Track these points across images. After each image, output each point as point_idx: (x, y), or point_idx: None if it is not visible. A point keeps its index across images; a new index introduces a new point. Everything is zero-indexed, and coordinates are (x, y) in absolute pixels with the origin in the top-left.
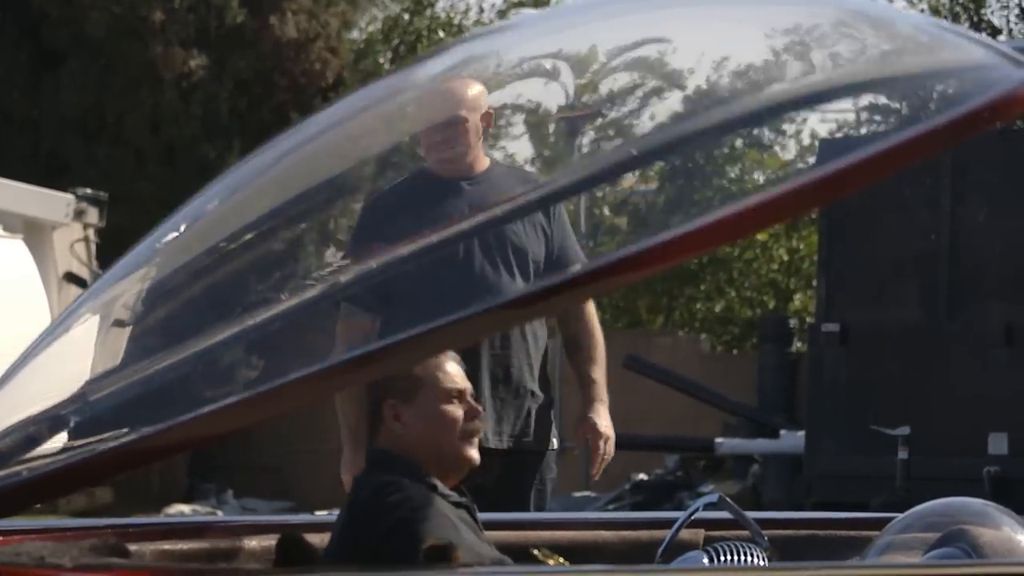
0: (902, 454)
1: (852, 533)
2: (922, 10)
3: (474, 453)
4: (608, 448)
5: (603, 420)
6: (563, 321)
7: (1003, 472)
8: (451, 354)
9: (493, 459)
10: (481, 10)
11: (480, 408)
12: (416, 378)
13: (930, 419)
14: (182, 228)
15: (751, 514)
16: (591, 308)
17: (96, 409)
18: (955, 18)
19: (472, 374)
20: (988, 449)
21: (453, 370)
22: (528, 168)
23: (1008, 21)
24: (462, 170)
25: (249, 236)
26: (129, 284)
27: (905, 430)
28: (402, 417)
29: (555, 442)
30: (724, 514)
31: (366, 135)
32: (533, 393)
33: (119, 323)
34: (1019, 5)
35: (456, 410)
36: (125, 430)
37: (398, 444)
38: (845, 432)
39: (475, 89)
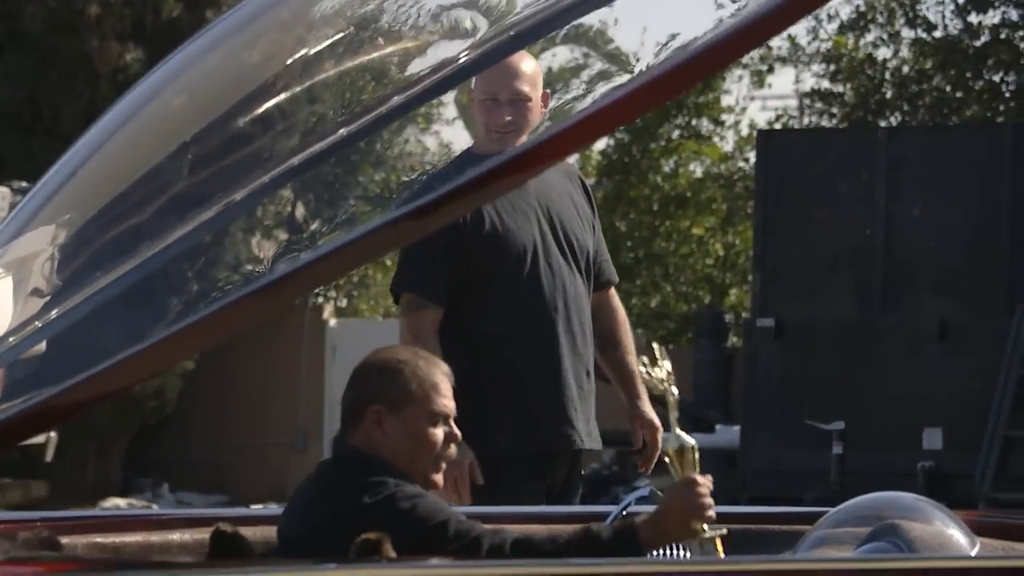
0: (836, 449)
1: (785, 527)
2: (857, 5)
3: (439, 479)
4: (661, 438)
5: (651, 411)
6: (597, 315)
7: (937, 467)
8: (446, 371)
9: (564, 459)
10: None
11: (458, 434)
12: (409, 391)
13: (865, 414)
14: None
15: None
16: (618, 301)
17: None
18: (890, 12)
19: (557, 374)
20: (923, 444)
21: (446, 391)
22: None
23: (943, 16)
24: None
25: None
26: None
27: (839, 425)
28: (384, 425)
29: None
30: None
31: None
32: (593, 391)
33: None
34: (954, 1)
35: (438, 433)
36: (29, 393)
37: (374, 449)
38: (780, 427)
39: (533, 64)
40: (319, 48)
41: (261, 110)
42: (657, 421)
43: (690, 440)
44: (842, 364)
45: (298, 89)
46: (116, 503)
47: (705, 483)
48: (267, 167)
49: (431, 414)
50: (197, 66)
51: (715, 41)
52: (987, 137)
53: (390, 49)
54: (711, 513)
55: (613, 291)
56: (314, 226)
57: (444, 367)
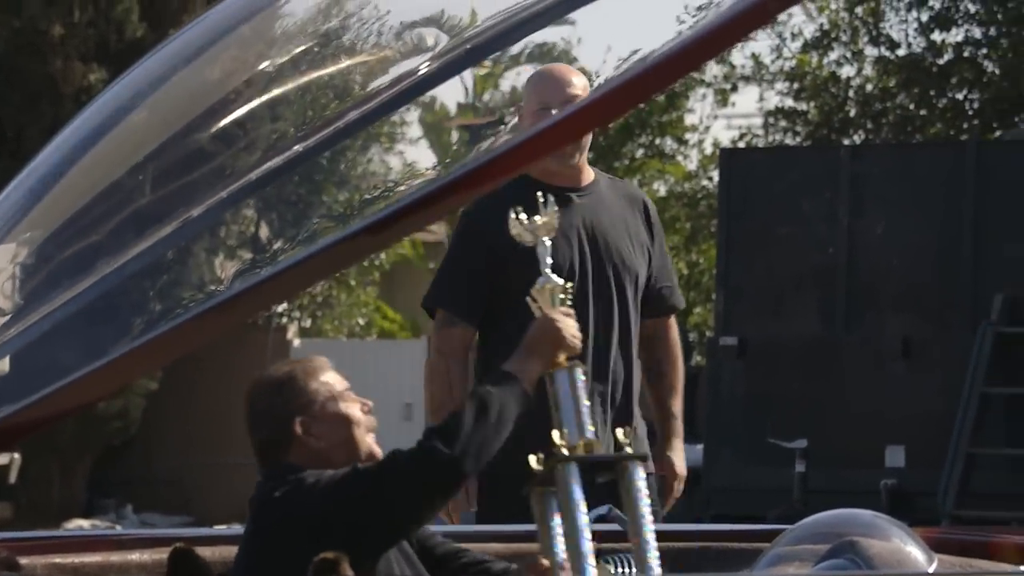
0: (799, 467)
1: (744, 545)
2: (821, 24)
3: (377, 447)
4: (680, 487)
5: (680, 460)
6: (648, 344)
7: (900, 485)
8: (325, 362)
9: (600, 490)
10: None
11: (368, 402)
12: (310, 389)
13: (827, 432)
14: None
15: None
16: (676, 333)
17: None
18: (854, 31)
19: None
20: (885, 462)
21: (333, 376)
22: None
23: (907, 35)
24: (571, 177)
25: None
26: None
27: (802, 443)
28: (312, 429)
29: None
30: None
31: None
32: (632, 422)
33: None
34: (917, 19)
35: (350, 406)
36: None
37: (314, 457)
38: (743, 445)
39: (583, 79)
40: (279, 64)
41: (220, 126)
42: (682, 468)
43: (559, 280)
44: (805, 382)
45: (257, 105)
46: (80, 524)
47: (568, 313)
48: (225, 183)
49: (336, 395)
50: (155, 81)
51: (669, 53)
52: (950, 155)
53: (350, 65)
54: (575, 340)
55: (672, 321)
56: (277, 244)
57: (319, 358)
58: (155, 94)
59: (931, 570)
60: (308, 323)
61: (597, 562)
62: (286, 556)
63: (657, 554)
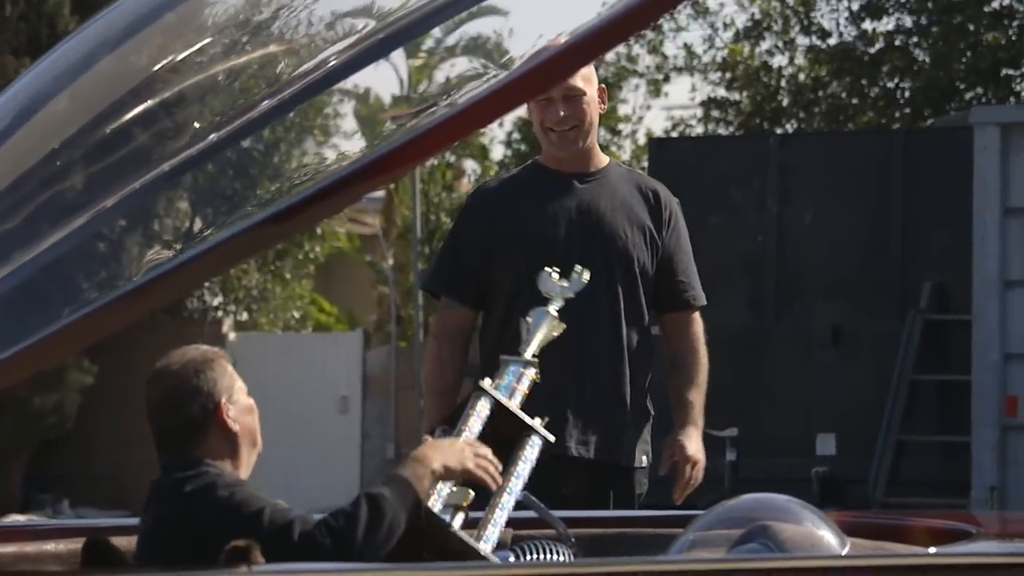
0: (730, 455)
1: (660, 531)
2: (752, 14)
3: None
4: (695, 473)
5: (693, 444)
6: (667, 337)
7: (831, 472)
8: (222, 352)
9: (579, 469)
10: None
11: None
12: (229, 375)
13: (758, 420)
14: None
15: (559, 513)
16: (699, 329)
17: None
18: (785, 20)
19: (559, 380)
20: (816, 450)
21: (231, 368)
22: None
23: (838, 24)
24: (578, 163)
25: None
26: None
27: (733, 431)
28: (231, 413)
29: (645, 459)
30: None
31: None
32: (628, 406)
33: None
34: (848, 8)
35: (252, 400)
36: None
37: (227, 445)
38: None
39: (588, 66)
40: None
41: (133, 115)
42: (697, 454)
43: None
44: (736, 371)
45: (170, 94)
46: (16, 519)
47: (476, 448)
48: (139, 173)
49: (242, 387)
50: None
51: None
52: (878, 143)
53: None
54: (476, 469)
55: (693, 316)
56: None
57: (217, 350)
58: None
59: (843, 553)
60: (244, 316)
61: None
62: (191, 548)
63: (499, 526)
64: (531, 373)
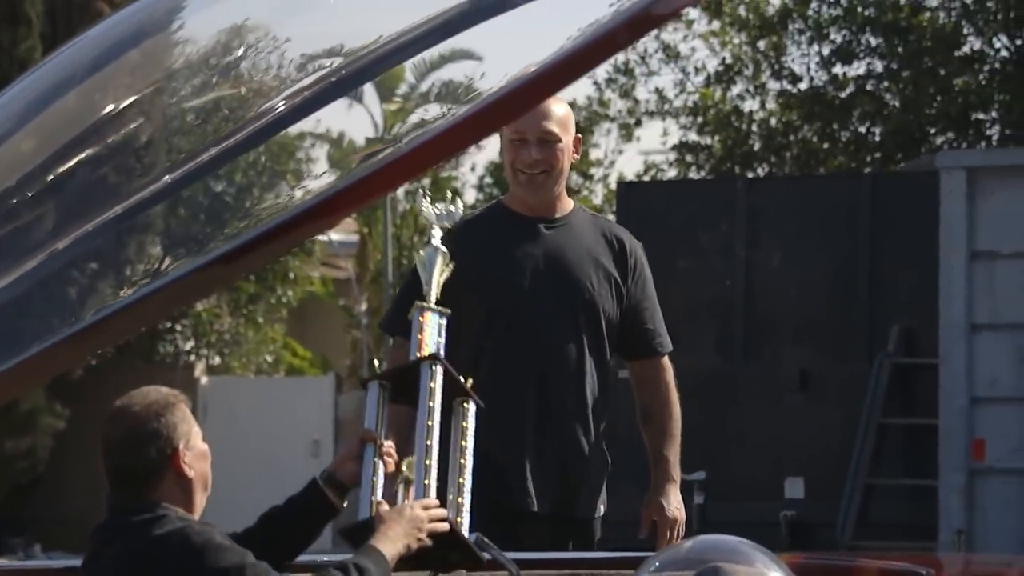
0: (698, 499)
1: (612, 572)
2: (723, 58)
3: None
4: (677, 531)
5: (672, 503)
6: (637, 385)
7: (800, 516)
8: (181, 395)
9: (537, 524)
10: None
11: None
12: (188, 420)
13: (727, 464)
14: None
15: (513, 555)
16: (668, 376)
17: None
18: (756, 65)
19: (518, 430)
20: (785, 493)
21: (188, 412)
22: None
23: (809, 68)
24: (544, 208)
25: None
26: None
27: (701, 475)
28: (187, 458)
29: (603, 508)
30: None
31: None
32: (587, 457)
33: None
34: (819, 53)
35: (203, 443)
36: None
37: (182, 491)
38: (642, 478)
39: (565, 108)
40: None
41: (89, 154)
42: (677, 512)
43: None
44: (704, 414)
45: (131, 132)
46: None
47: (430, 507)
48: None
49: (198, 432)
50: (29, 106)
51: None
52: (846, 186)
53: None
54: (422, 533)
55: (660, 362)
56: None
57: (176, 392)
58: (25, 116)
59: None
60: (216, 360)
61: None
62: None
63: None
64: (443, 320)
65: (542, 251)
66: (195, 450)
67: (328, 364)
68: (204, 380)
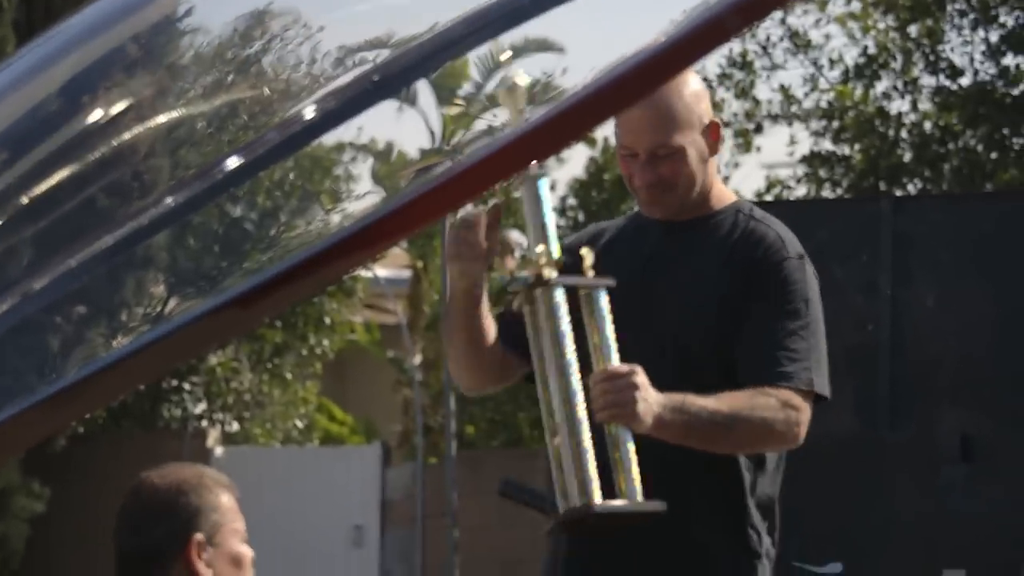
0: None
1: None
2: (865, 48)
3: None
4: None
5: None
6: None
7: None
8: (228, 483)
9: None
10: None
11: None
12: (219, 509)
13: (869, 554)
14: None
15: None
16: (778, 399)
17: None
18: (906, 55)
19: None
20: None
21: (235, 505)
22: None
23: (972, 60)
24: (676, 214)
25: None
26: None
27: (837, 567)
28: (205, 555)
29: None
30: None
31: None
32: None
33: None
34: (985, 40)
35: (247, 550)
36: None
37: None
38: None
39: (685, 99)
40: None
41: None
42: (635, 387)
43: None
44: (840, 491)
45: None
46: None
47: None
48: (75, 248)
49: (239, 529)
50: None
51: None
52: (1019, 207)
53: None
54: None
55: (782, 392)
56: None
57: (222, 478)
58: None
59: None
60: (234, 427)
61: None
62: None
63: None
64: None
65: (643, 265)
66: (223, 549)
67: (373, 431)
68: (218, 451)
